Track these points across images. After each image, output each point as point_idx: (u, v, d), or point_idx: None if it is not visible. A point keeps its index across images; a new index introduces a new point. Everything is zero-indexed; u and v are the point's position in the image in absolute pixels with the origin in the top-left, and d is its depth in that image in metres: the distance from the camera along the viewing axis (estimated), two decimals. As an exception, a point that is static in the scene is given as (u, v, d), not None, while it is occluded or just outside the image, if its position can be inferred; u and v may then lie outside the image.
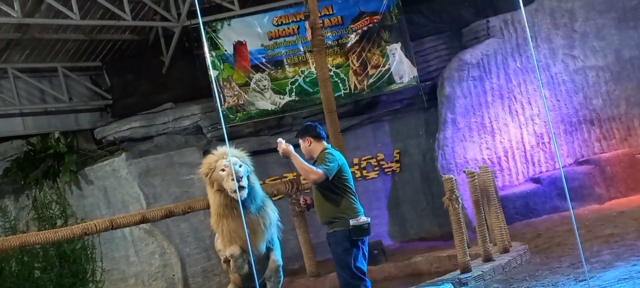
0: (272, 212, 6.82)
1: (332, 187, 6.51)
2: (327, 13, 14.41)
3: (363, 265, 6.56)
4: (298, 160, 6.44)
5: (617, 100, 14.57)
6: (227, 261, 6.68)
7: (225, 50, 14.26)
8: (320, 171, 6.39)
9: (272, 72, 14.36)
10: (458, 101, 13.81)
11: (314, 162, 6.65)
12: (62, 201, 13.90)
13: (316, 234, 13.42)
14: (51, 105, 14.85)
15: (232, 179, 6.30)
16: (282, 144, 6.53)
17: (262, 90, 14.30)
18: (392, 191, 14.66)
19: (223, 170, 6.43)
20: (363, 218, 6.48)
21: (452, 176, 9.10)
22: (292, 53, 14.46)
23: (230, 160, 6.43)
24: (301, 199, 6.96)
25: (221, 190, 6.48)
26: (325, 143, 6.78)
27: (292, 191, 10.73)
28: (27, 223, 13.88)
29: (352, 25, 14.52)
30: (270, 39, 14.40)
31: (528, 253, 9.76)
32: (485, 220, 9.59)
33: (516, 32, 14.28)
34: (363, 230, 6.45)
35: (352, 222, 6.41)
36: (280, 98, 14.33)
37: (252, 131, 14.62)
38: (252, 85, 14.28)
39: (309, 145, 6.68)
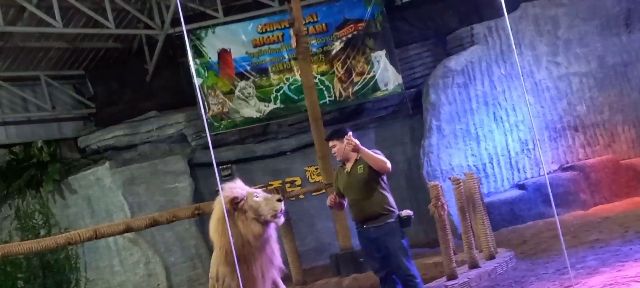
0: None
1: (382, 183, 6.81)
2: (312, 20, 14.41)
3: None
4: (369, 153, 6.68)
5: (600, 106, 14.66)
6: None
7: (210, 58, 14.22)
8: (388, 162, 6.74)
9: (256, 79, 14.33)
10: (443, 108, 13.83)
11: (353, 162, 6.86)
12: (45, 210, 13.78)
13: (302, 242, 13.40)
14: (34, 113, 14.74)
15: (277, 199, 5.98)
16: (353, 139, 6.67)
17: (246, 97, 14.26)
18: (377, 198, 14.63)
19: (257, 196, 6.03)
20: (408, 211, 6.86)
21: (437, 183, 9.10)
22: (276, 60, 14.44)
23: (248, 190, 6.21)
24: (331, 197, 6.96)
25: (257, 218, 5.97)
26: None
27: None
28: (10, 233, 13.74)
29: (336, 33, 14.53)
30: (254, 47, 14.38)
31: (514, 259, 9.77)
32: (471, 226, 9.59)
33: (500, 39, 14.33)
34: (410, 221, 6.83)
35: (403, 214, 6.78)
36: (265, 105, 14.30)
37: (237, 139, 14.58)
38: (237, 92, 14.24)
39: (346, 146, 6.82)
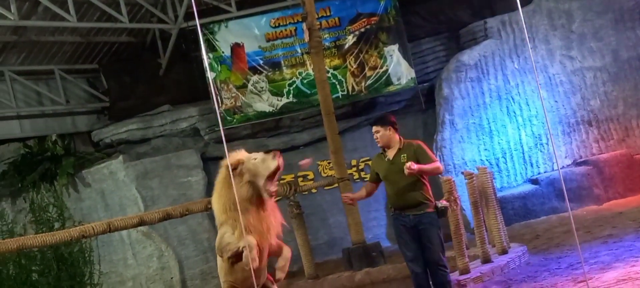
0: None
1: (423, 175, 6.95)
2: (325, 14, 14.39)
3: None
4: (427, 169, 6.85)
5: (614, 100, 14.57)
6: (234, 257, 6.41)
7: (223, 52, 14.25)
8: (441, 166, 7.09)
9: (269, 73, 14.35)
10: (456, 102, 13.80)
11: (396, 150, 7.01)
12: (59, 204, 13.84)
13: (314, 236, 13.42)
14: (48, 107, 14.81)
15: (272, 157, 6.13)
16: (414, 167, 6.73)
17: (259, 92, 14.28)
18: (390, 193, 14.63)
19: (255, 158, 6.26)
20: (444, 202, 7.12)
21: (450, 177, 9.10)
22: (289, 55, 14.45)
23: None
24: (348, 196, 7.27)
25: (251, 182, 6.18)
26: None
27: (290, 193, 10.72)
28: (24, 227, 13.81)
29: (349, 27, 14.51)
30: (267, 41, 14.39)
31: (527, 254, 9.75)
32: (484, 221, 9.58)
33: (514, 33, 14.27)
34: (446, 212, 7.09)
35: (439, 205, 6.98)
36: (277, 100, 14.32)
37: (250, 133, 14.60)
38: (250, 87, 14.26)
39: (392, 133, 7.02)
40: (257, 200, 6.21)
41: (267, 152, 6.44)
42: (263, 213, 6.23)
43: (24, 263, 13.32)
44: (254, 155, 6.30)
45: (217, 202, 6.29)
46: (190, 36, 14.77)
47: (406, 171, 6.66)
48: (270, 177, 6.11)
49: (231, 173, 6.13)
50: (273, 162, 6.10)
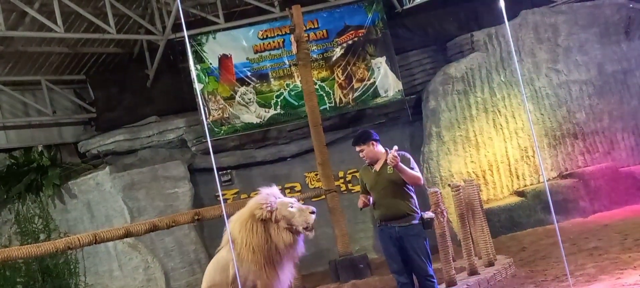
0: None
1: (409, 186, 6.97)
2: (313, 27, 14.44)
3: None
4: (406, 171, 6.83)
5: (600, 114, 14.67)
6: None
7: (210, 64, 14.25)
8: (422, 178, 7.06)
9: (257, 85, 14.36)
10: (443, 115, 13.85)
11: (382, 162, 6.97)
12: (45, 215, 13.78)
13: (301, 248, 13.39)
14: (34, 118, 14.75)
15: (310, 212, 6.26)
16: (397, 157, 6.74)
17: (247, 103, 14.29)
18: (377, 204, 14.63)
19: (291, 206, 6.28)
20: (430, 213, 7.18)
21: (437, 190, 9.12)
22: (277, 66, 14.47)
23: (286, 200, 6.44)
24: (363, 200, 7.11)
25: (289, 228, 6.25)
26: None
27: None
28: (9, 238, 13.74)
29: (337, 39, 14.56)
30: (255, 53, 14.41)
31: (513, 266, 9.79)
32: (471, 233, 9.60)
33: (500, 46, 14.35)
34: (432, 223, 7.12)
35: (425, 216, 7.01)
36: (265, 111, 14.33)
37: (237, 144, 14.59)
38: (237, 98, 14.27)
39: (374, 148, 7.04)
40: (282, 256, 6.26)
41: (301, 201, 6.48)
42: (280, 272, 6.26)
43: (8, 275, 13.25)
44: (288, 201, 6.30)
45: (245, 235, 6.19)
46: (178, 47, 14.75)
47: (390, 160, 6.66)
48: (306, 229, 6.25)
49: (273, 216, 6.15)
50: (311, 216, 6.22)
